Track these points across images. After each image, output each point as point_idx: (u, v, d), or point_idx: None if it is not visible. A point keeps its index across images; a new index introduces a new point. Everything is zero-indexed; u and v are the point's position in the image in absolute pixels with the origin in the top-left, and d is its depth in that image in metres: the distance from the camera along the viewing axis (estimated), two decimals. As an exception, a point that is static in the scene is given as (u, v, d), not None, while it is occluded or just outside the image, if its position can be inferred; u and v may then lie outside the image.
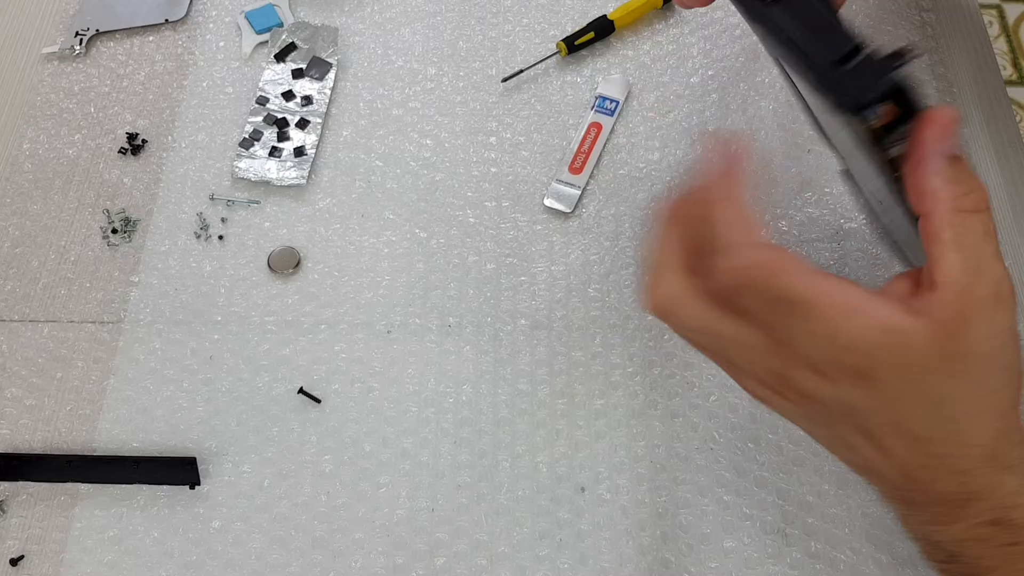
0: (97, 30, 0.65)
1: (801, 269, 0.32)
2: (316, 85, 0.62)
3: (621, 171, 0.59)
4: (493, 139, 0.61)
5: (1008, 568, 0.33)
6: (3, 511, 0.48)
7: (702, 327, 0.35)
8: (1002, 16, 1.62)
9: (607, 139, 0.60)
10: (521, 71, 0.62)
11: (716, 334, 0.35)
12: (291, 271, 0.55)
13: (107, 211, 0.58)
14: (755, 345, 0.34)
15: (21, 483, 0.49)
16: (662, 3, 0.64)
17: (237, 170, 0.59)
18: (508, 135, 0.61)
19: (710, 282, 0.34)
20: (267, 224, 0.57)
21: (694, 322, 0.35)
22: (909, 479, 0.34)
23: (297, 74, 0.63)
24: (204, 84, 0.63)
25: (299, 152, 0.59)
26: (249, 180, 0.59)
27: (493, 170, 0.59)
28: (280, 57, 0.64)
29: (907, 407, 0.33)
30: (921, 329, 0.31)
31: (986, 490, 0.33)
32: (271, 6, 0.66)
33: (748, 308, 0.34)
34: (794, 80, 0.40)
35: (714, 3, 0.67)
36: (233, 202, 0.58)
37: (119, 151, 0.60)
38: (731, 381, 0.49)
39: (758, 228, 0.34)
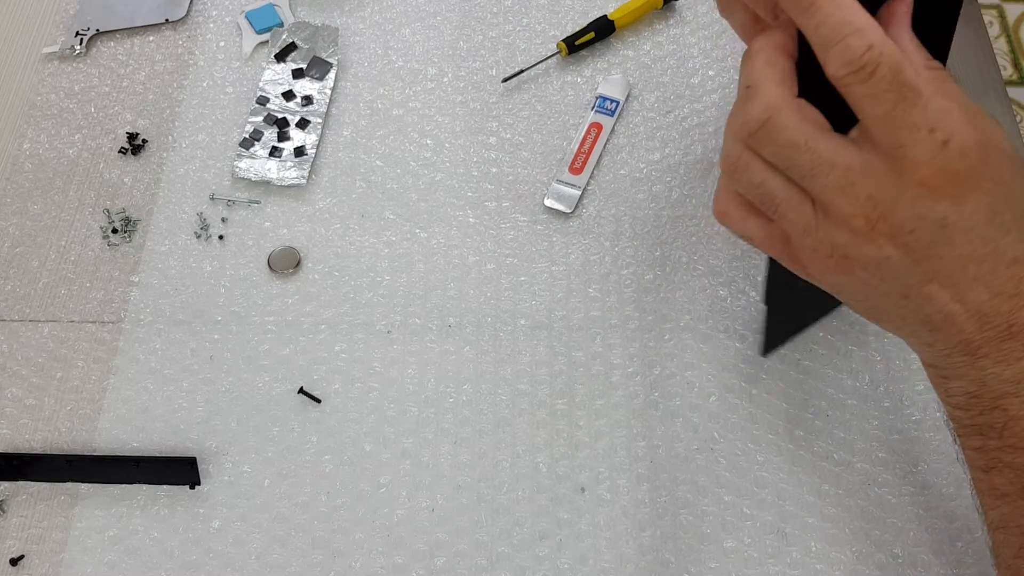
0: (97, 30, 0.65)
1: (911, 64, 0.32)
2: (316, 85, 0.62)
3: (621, 171, 0.59)
4: (493, 139, 0.61)
5: None
6: (3, 511, 0.48)
7: (801, 139, 0.33)
8: (1002, 16, 1.62)
9: (607, 139, 0.60)
10: (521, 71, 0.62)
11: (813, 148, 0.33)
12: (291, 271, 0.55)
13: (107, 211, 0.58)
14: (852, 162, 0.33)
15: (21, 483, 0.49)
16: (662, 3, 0.64)
17: (237, 170, 0.59)
18: (508, 135, 0.61)
19: (836, 65, 0.32)
20: (267, 224, 0.57)
21: (794, 133, 0.33)
22: (983, 317, 0.34)
23: (297, 74, 0.63)
24: (204, 84, 0.63)
25: (299, 152, 0.59)
26: (249, 180, 0.59)
27: (493, 170, 0.59)
28: (280, 57, 0.64)
29: (1001, 219, 0.33)
30: (1000, 139, 0.33)
31: None
32: (271, 6, 0.66)
33: (864, 97, 0.32)
34: None
35: (713, 3, 0.67)
36: (233, 202, 0.58)
37: (119, 151, 0.60)
38: (731, 381, 0.49)
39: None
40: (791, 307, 0.48)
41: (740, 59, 0.54)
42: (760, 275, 0.54)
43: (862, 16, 0.31)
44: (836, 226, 0.34)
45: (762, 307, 0.52)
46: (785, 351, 0.51)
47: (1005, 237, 0.33)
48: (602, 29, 0.63)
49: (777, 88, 0.34)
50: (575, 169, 0.59)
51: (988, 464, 0.37)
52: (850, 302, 0.38)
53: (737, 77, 0.62)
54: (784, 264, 0.38)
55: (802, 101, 0.34)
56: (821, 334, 0.52)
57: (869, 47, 0.31)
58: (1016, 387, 0.35)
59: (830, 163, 0.33)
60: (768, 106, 0.34)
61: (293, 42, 0.64)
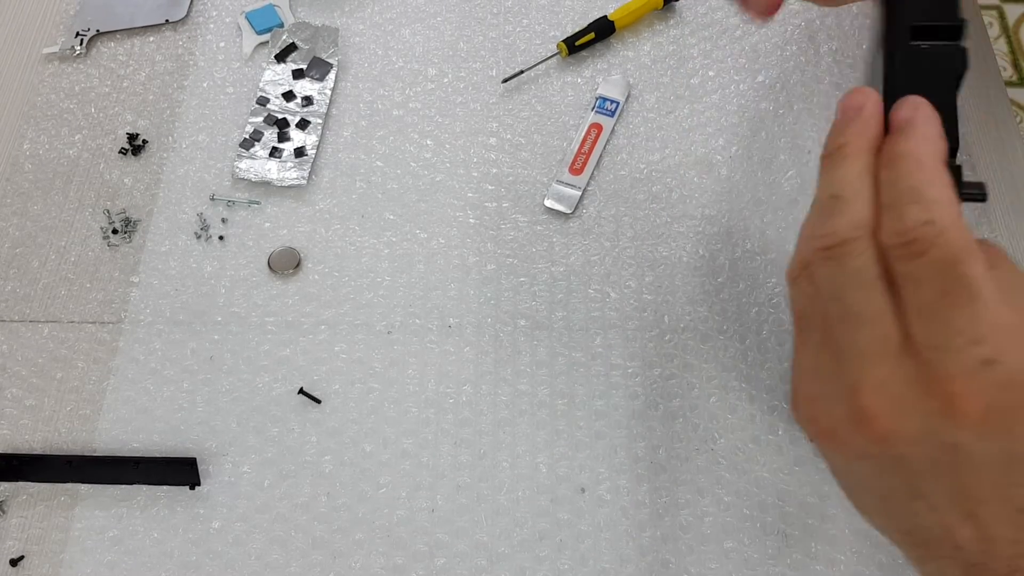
0: (97, 30, 0.65)
1: (981, 259, 0.27)
2: (316, 86, 0.63)
3: (622, 172, 0.59)
4: (493, 140, 0.61)
5: None
6: (3, 511, 0.48)
7: (867, 280, 0.29)
8: (1002, 17, 1.62)
9: (607, 140, 0.60)
10: (521, 72, 0.62)
11: (869, 299, 0.29)
12: (291, 272, 0.55)
13: (107, 211, 0.58)
14: (889, 334, 0.28)
15: (21, 483, 0.49)
16: (663, 4, 0.64)
17: (237, 170, 0.59)
18: (508, 136, 0.61)
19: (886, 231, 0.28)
20: (267, 225, 0.57)
21: (863, 269, 0.29)
22: (990, 554, 0.29)
23: (297, 74, 0.63)
24: (204, 84, 0.63)
25: (299, 153, 0.59)
26: (249, 180, 0.59)
27: (493, 171, 0.59)
28: (281, 57, 0.64)
29: (1018, 467, 0.28)
30: None
31: None
32: (271, 6, 0.66)
33: (907, 274, 0.28)
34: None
35: (712, 3, 0.67)
36: (233, 202, 0.58)
37: (119, 151, 0.60)
38: (732, 382, 0.49)
39: (955, 195, 0.28)
40: None
41: (741, 60, 0.54)
42: (759, 275, 0.54)
43: (939, 189, 0.27)
44: (836, 391, 0.30)
45: (766, 310, 0.52)
46: (785, 351, 0.51)
47: (1019, 489, 0.28)
48: (602, 30, 0.63)
49: (867, 209, 0.29)
50: (575, 170, 0.59)
51: None
52: (842, 487, 0.35)
53: (737, 78, 0.62)
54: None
55: (880, 240, 0.29)
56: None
57: (928, 222, 0.27)
58: None
59: (873, 320, 0.28)
60: (857, 226, 0.29)
61: (293, 43, 0.64)
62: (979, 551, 0.29)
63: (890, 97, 0.33)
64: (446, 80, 0.63)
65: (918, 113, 0.30)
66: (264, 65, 0.64)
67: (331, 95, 0.62)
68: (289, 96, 0.62)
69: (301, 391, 0.51)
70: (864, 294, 0.29)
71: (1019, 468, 0.28)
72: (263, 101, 0.62)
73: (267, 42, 0.65)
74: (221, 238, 0.57)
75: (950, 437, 0.28)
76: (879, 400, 0.28)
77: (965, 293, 0.26)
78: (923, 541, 0.31)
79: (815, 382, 0.31)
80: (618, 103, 0.61)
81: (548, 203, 0.57)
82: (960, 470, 0.28)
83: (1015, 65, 1.57)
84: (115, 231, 0.57)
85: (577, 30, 0.64)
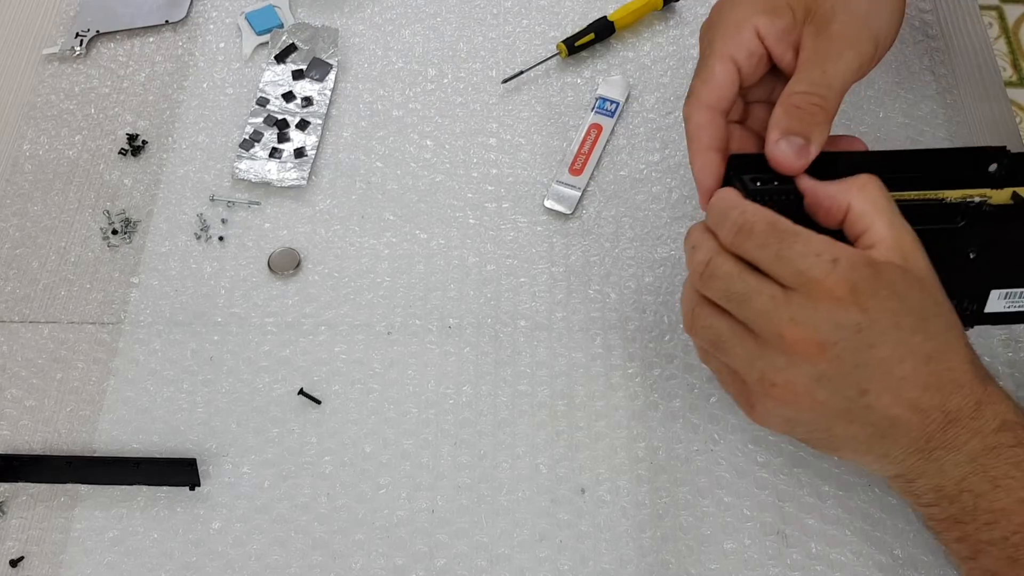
0: (97, 31, 0.65)
1: (788, 221, 0.39)
2: (316, 86, 0.63)
3: (621, 172, 0.59)
4: (493, 140, 0.61)
5: (1015, 471, 0.37)
6: (3, 512, 0.48)
7: (735, 272, 0.39)
8: (1002, 17, 1.62)
9: (607, 140, 0.60)
10: (521, 72, 0.62)
11: (744, 279, 0.39)
12: (291, 272, 0.55)
13: (107, 212, 0.58)
14: (774, 291, 0.38)
15: (21, 484, 0.49)
16: (662, 4, 0.64)
17: (237, 171, 0.59)
18: (508, 136, 0.61)
19: (726, 239, 0.40)
20: (267, 225, 0.57)
21: (729, 268, 0.40)
22: (922, 412, 0.38)
23: (297, 75, 0.63)
24: (204, 85, 0.63)
25: (299, 153, 0.59)
26: (249, 181, 0.59)
27: (493, 171, 0.59)
28: (280, 58, 0.64)
29: (905, 322, 0.37)
30: (885, 262, 0.38)
31: (986, 396, 0.38)
32: (271, 7, 0.66)
33: (757, 248, 0.39)
34: None
35: (713, 3, 0.67)
36: (233, 203, 0.58)
37: (119, 152, 0.61)
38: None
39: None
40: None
41: None
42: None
43: (735, 198, 0.40)
44: (773, 351, 0.38)
45: None
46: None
47: (914, 337, 0.37)
48: (602, 30, 0.63)
49: (711, 243, 0.41)
50: (575, 170, 0.59)
51: (973, 551, 0.39)
52: (804, 437, 0.41)
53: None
54: (744, 412, 0.42)
55: (731, 251, 0.40)
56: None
57: (742, 212, 0.39)
58: (973, 466, 0.38)
59: (757, 290, 0.38)
60: (708, 251, 0.41)
61: (293, 43, 0.64)
62: (915, 415, 0.38)
63: None
64: (446, 81, 0.63)
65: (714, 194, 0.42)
66: (264, 66, 0.64)
67: (331, 96, 0.62)
68: (289, 97, 0.62)
69: (301, 392, 0.51)
70: (742, 280, 0.39)
71: (904, 322, 0.37)
72: (263, 102, 0.62)
73: (267, 43, 0.65)
74: (221, 239, 0.57)
75: (848, 320, 0.37)
76: (798, 328, 0.37)
77: (789, 235, 0.38)
78: (881, 435, 0.39)
79: (753, 370, 0.39)
80: (618, 103, 0.61)
81: (548, 204, 0.57)
82: (874, 342, 0.37)
83: (1015, 65, 1.57)
84: (115, 232, 0.57)
85: (577, 31, 0.64)
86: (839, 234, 0.40)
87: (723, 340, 0.41)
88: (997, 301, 0.45)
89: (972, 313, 0.45)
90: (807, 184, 0.41)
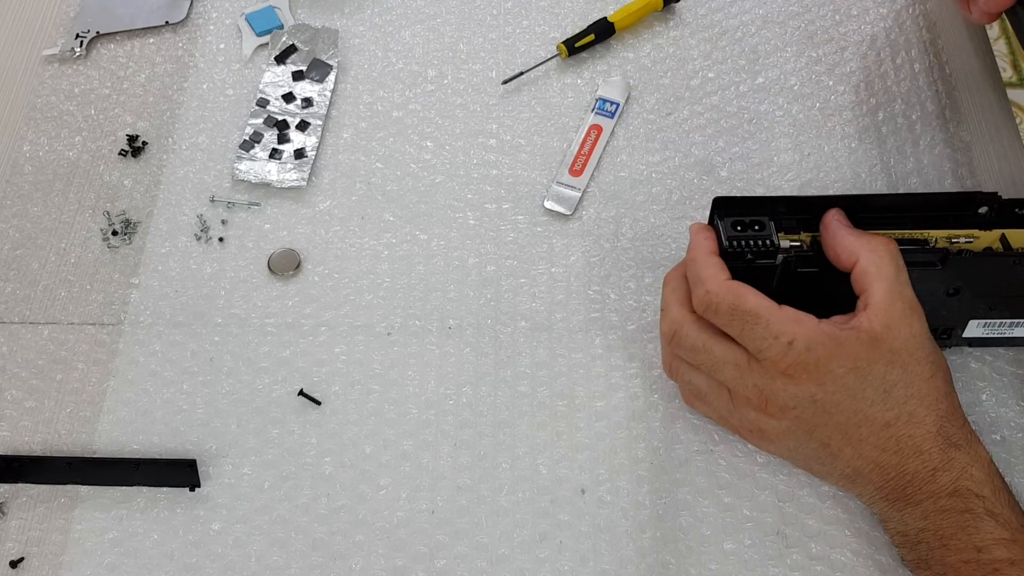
0: (97, 32, 0.65)
1: (752, 292, 0.42)
2: (316, 87, 0.63)
3: (621, 173, 0.59)
4: (493, 141, 0.61)
5: (961, 533, 0.40)
6: (3, 513, 0.48)
7: (700, 344, 0.44)
8: (1002, 18, 1.62)
9: (607, 141, 0.60)
10: (521, 73, 0.62)
11: (709, 350, 0.43)
12: (291, 273, 0.55)
13: (107, 213, 0.58)
14: (738, 360, 0.43)
15: (21, 485, 0.49)
16: (662, 5, 0.64)
17: (237, 172, 0.59)
18: (508, 137, 0.61)
19: (695, 309, 0.44)
20: (267, 226, 0.57)
21: (694, 340, 0.44)
22: (881, 468, 0.42)
23: (297, 76, 0.63)
24: (204, 86, 0.63)
25: (299, 154, 0.59)
26: (249, 182, 0.59)
27: (493, 172, 0.59)
28: (280, 59, 0.64)
29: (863, 394, 0.41)
30: (854, 337, 0.40)
31: (944, 464, 0.40)
32: (271, 8, 0.67)
33: (722, 325, 0.42)
34: None
35: (712, 5, 0.67)
36: (233, 204, 0.58)
37: (119, 153, 0.61)
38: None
39: (724, 271, 0.43)
40: None
41: (740, 62, 0.56)
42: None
43: (710, 269, 0.43)
44: (744, 407, 0.44)
45: None
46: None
47: (872, 407, 0.41)
48: (602, 31, 0.63)
49: (679, 308, 0.45)
50: (575, 171, 0.59)
51: None
52: (788, 460, 0.47)
53: (736, 79, 0.63)
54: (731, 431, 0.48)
55: (698, 316, 0.44)
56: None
57: (707, 292, 0.42)
58: (926, 522, 0.41)
59: (723, 360, 0.43)
60: (673, 321, 0.45)
61: (293, 44, 0.64)
62: (875, 470, 0.42)
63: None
64: (446, 82, 0.63)
65: (693, 232, 0.45)
66: (264, 67, 0.64)
67: (331, 97, 0.62)
68: (289, 98, 0.62)
69: (301, 393, 0.51)
70: (706, 352, 0.44)
71: (860, 394, 0.41)
72: (263, 103, 0.62)
73: (267, 44, 0.65)
74: (221, 240, 0.57)
75: (803, 393, 0.41)
76: (761, 393, 0.42)
77: (750, 318, 0.41)
78: (847, 478, 0.43)
79: (732, 417, 0.45)
80: (618, 104, 0.61)
81: (548, 204, 0.57)
82: (829, 411, 0.41)
83: (1015, 66, 1.57)
84: (115, 233, 0.57)
85: (577, 31, 0.64)
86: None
87: (702, 393, 0.46)
88: (976, 328, 0.48)
89: (950, 337, 0.49)
90: (834, 225, 0.44)
